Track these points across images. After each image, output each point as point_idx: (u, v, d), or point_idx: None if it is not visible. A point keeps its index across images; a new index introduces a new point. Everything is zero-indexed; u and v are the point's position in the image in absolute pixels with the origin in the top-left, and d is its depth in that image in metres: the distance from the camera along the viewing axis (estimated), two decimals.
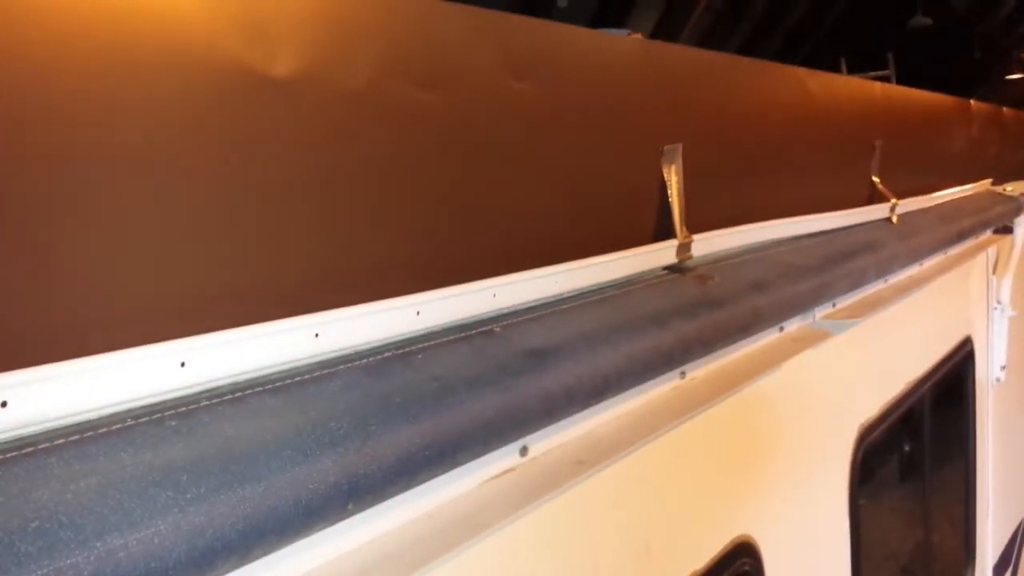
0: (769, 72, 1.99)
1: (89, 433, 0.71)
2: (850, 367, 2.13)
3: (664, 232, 1.42)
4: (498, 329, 1.11)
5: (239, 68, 0.87)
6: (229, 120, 0.87)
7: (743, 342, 1.57)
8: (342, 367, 0.92)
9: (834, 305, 2.01)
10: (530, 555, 1.13)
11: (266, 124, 0.90)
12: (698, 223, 1.49)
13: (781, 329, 1.75)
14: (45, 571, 0.62)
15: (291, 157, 0.92)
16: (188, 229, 0.83)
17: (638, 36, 1.51)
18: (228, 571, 0.74)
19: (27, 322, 0.72)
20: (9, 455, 0.68)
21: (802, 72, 2.10)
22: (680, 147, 1.42)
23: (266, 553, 0.77)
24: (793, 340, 1.76)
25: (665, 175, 1.41)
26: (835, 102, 2.34)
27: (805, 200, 1.98)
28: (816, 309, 1.90)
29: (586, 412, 1.21)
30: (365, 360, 0.95)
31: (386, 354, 0.98)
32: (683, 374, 1.43)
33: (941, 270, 2.77)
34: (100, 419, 0.73)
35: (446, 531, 0.99)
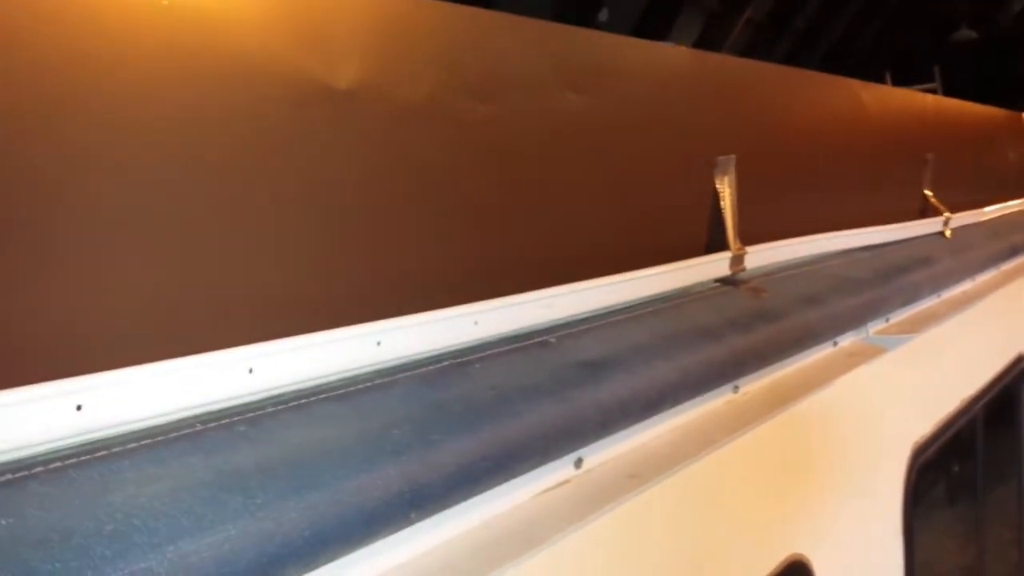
0: (820, 83, 1.98)
1: (160, 437, 0.72)
2: (903, 384, 2.08)
3: (716, 244, 1.40)
4: (553, 340, 1.11)
5: (302, 81, 0.88)
6: (293, 132, 0.88)
7: (796, 357, 1.54)
8: (402, 375, 0.93)
9: (887, 320, 1.97)
10: (583, 569, 1.12)
11: (328, 136, 0.91)
12: (750, 235, 1.47)
13: (835, 344, 1.72)
14: (121, 574, 0.62)
15: (352, 168, 0.93)
16: (256, 238, 0.84)
17: (682, 48, 1.51)
18: None
19: (101, 327, 0.74)
20: (83, 458, 0.69)
21: (854, 83, 2.07)
22: (733, 158, 1.41)
23: (330, 560, 0.78)
24: (847, 355, 1.73)
25: (718, 187, 1.40)
26: (886, 114, 2.31)
27: (856, 213, 1.96)
28: (869, 324, 1.86)
29: (640, 425, 1.20)
30: (424, 369, 0.95)
31: (444, 363, 0.98)
32: (736, 388, 1.41)
33: (994, 285, 2.71)
34: (171, 423, 0.74)
35: (502, 543, 0.98)
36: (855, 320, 1.72)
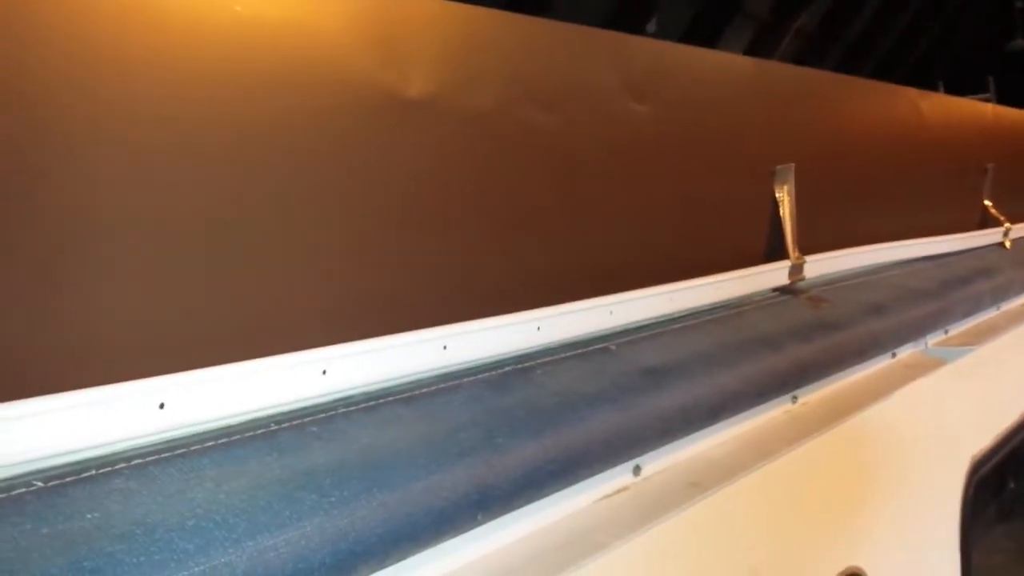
0: (878, 92, 1.95)
1: (237, 436, 0.74)
2: (962, 397, 2.04)
3: (775, 253, 1.39)
4: (613, 347, 1.11)
5: (375, 90, 0.90)
6: (366, 140, 0.90)
7: (855, 368, 1.52)
8: (467, 380, 0.94)
9: (946, 332, 1.94)
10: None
11: (399, 144, 0.93)
12: (808, 244, 1.46)
13: (893, 355, 1.70)
14: (202, 568, 0.64)
15: (420, 176, 0.95)
16: (329, 244, 0.86)
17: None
18: (367, 575, 0.75)
19: (184, 329, 0.76)
20: (164, 455, 0.71)
21: (911, 92, 2.04)
22: (792, 167, 1.40)
23: (400, 559, 0.79)
24: (905, 367, 1.70)
25: (777, 195, 1.39)
26: (944, 123, 2.27)
27: (915, 223, 1.93)
28: (928, 336, 1.83)
29: (698, 433, 1.20)
30: (488, 373, 0.96)
31: (507, 368, 0.99)
32: (795, 398, 1.40)
33: None
34: (247, 423, 0.76)
35: (563, 547, 0.99)
36: (914, 331, 1.69)
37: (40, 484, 0.64)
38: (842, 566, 1.51)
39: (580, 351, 1.07)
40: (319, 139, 0.86)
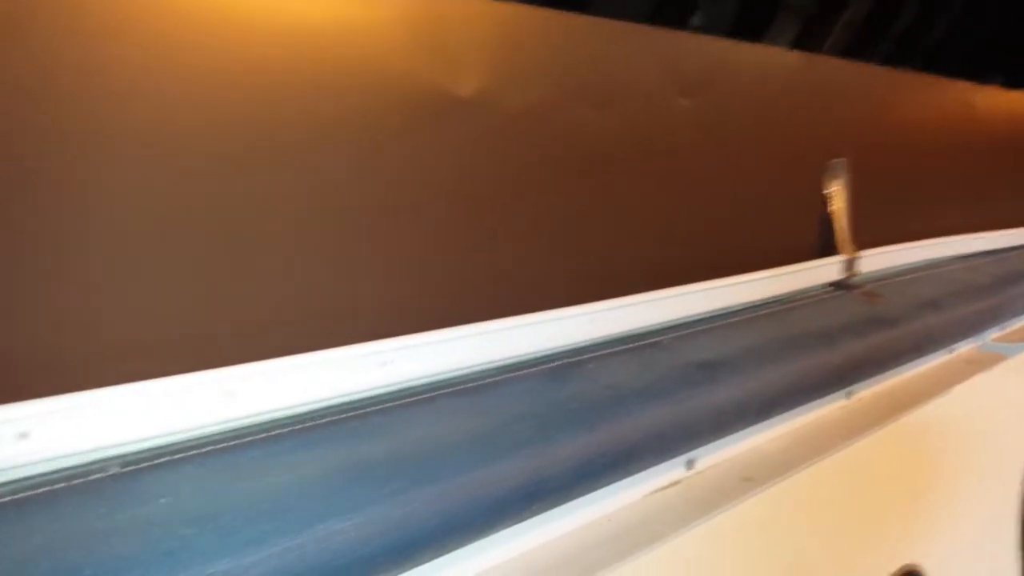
0: (931, 85, 1.92)
1: (301, 425, 0.76)
2: (1022, 392, 2.00)
3: (829, 248, 1.38)
4: (666, 341, 1.12)
5: (426, 89, 0.92)
6: (418, 138, 0.92)
7: (911, 363, 1.50)
8: (520, 372, 0.95)
9: (1004, 328, 1.90)
10: (694, 570, 1.12)
11: (450, 142, 0.94)
12: (862, 239, 1.44)
13: (951, 351, 1.67)
14: (269, 552, 0.66)
15: (471, 172, 0.97)
16: (386, 239, 0.88)
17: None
18: (424, 562, 0.77)
19: (253, 321, 0.79)
20: (234, 442, 0.73)
21: (965, 86, 2.00)
22: (845, 161, 1.39)
23: (457, 547, 0.80)
24: (964, 363, 1.67)
25: (829, 190, 1.38)
26: (1001, 117, 2.22)
27: (971, 217, 1.89)
28: (988, 331, 1.79)
29: (751, 429, 1.19)
30: (541, 367, 0.97)
31: (560, 362, 1.00)
32: (849, 394, 1.39)
33: None
34: (313, 412, 0.78)
35: (616, 540, 0.99)
36: (973, 327, 1.66)
37: (116, 469, 0.67)
38: (899, 563, 1.49)
39: (631, 345, 1.08)
40: (371, 137, 0.88)
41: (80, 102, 0.70)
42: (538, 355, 0.99)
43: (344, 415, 0.79)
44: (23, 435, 0.62)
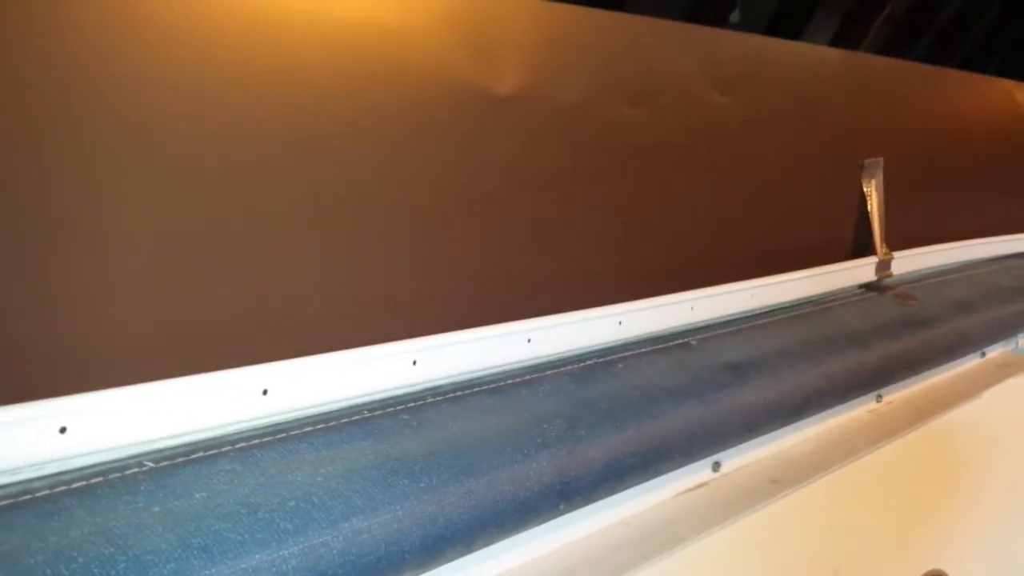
0: (971, 83, 1.88)
1: (334, 422, 0.77)
2: None
3: (862, 247, 1.37)
4: (694, 342, 1.11)
5: (466, 86, 0.91)
6: (458, 134, 0.92)
7: (942, 367, 1.48)
8: (550, 372, 0.95)
9: None
10: (720, 573, 1.12)
11: (488, 139, 0.94)
12: (896, 239, 1.42)
13: (983, 355, 1.64)
14: (301, 547, 0.67)
15: (509, 169, 0.96)
16: (421, 236, 0.88)
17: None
18: (453, 559, 0.77)
19: (285, 319, 0.79)
20: (266, 439, 0.74)
21: (1007, 83, 1.97)
22: (881, 161, 1.37)
23: (486, 545, 0.81)
24: (996, 366, 1.64)
25: (865, 189, 1.36)
26: None
27: (1006, 218, 1.86)
28: (1019, 335, 1.77)
29: (780, 431, 1.18)
30: (571, 367, 0.97)
31: (589, 362, 1.00)
32: (879, 397, 1.37)
33: None
34: (343, 410, 0.79)
35: (643, 540, 0.99)
36: (1005, 330, 1.64)
37: (151, 464, 0.68)
38: (925, 568, 1.48)
39: (661, 346, 1.07)
40: (411, 134, 0.88)
41: (120, 92, 0.70)
42: (568, 355, 0.98)
43: (375, 413, 0.79)
44: (63, 429, 0.63)
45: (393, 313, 0.86)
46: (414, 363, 0.82)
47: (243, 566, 0.64)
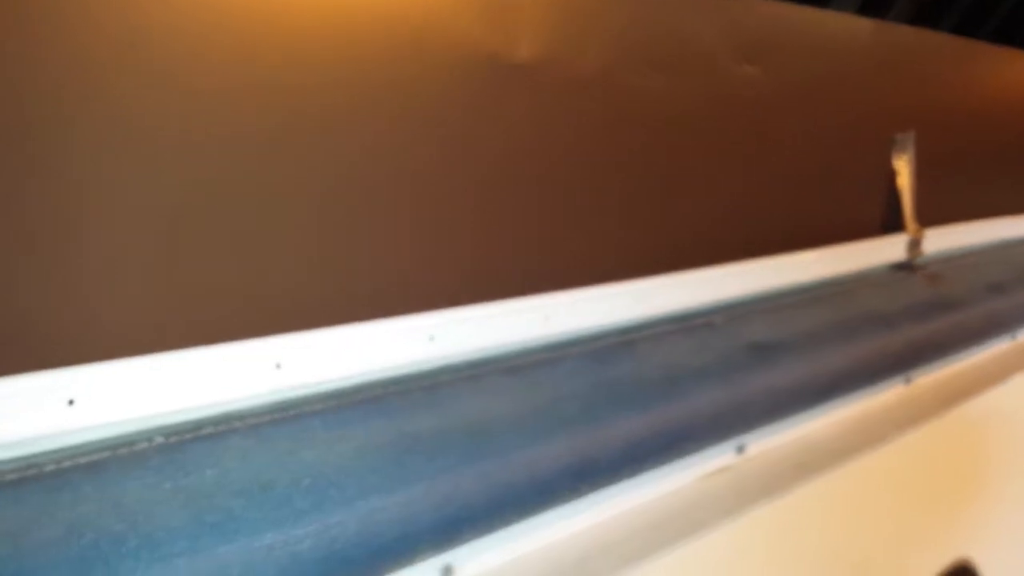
0: (1005, 57, 1.83)
1: (348, 399, 0.75)
2: None
3: (892, 224, 1.33)
4: (718, 321, 1.08)
5: (482, 54, 0.89)
6: (473, 103, 0.89)
7: (972, 349, 1.44)
8: (569, 350, 0.92)
9: None
10: (743, 557, 1.09)
11: (506, 107, 0.91)
12: (926, 216, 1.38)
13: (1014, 337, 1.60)
14: (315, 526, 0.65)
15: (526, 140, 0.94)
16: (434, 209, 0.86)
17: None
18: (470, 540, 0.75)
19: (300, 291, 0.77)
20: (278, 415, 0.72)
21: None
22: (913, 136, 1.33)
23: (504, 526, 0.79)
24: None
25: (895, 165, 1.32)
26: None
27: None
28: None
29: (806, 413, 1.15)
30: (590, 345, 0.95)
31: (610, 340, 0.97)
32: (908, 380, 1.34)
33: None
34: (357, 387, 0.77)
35: (664, 525, 0.97)
36: None
37: (161, 439, 0.66)
38: (952, 556, 1.45)
39: (682, 324, 1.05)
40: (426, 104, 0.85)
41: (135, 67, 0.68)
42: (587, 333, 0.96)
43: (388, 390, 0.77)
44: (70, 402, 0.62)
45: (409, 287, 0.83)
46: (431, 339, 0.80)
47: (256, 544, 0.62)
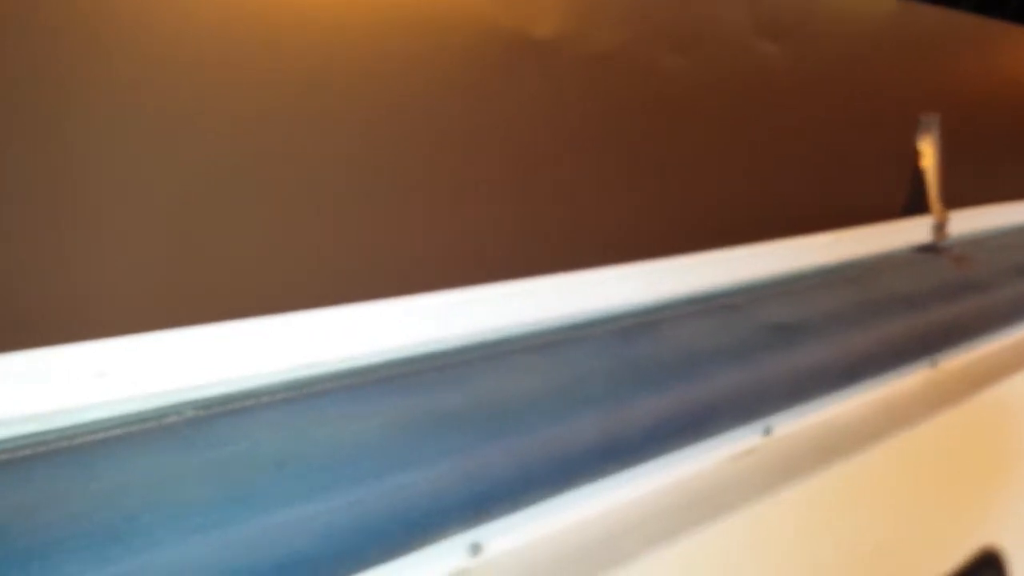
0: None
1: (374, 375, 0.75)
2: None
3: (916, 206, 1.31)
4: (741, 302, 1.07)
5: (503, 30, 0.88)
6: (490, 80, 0.88)
7: (1000, 332, 1.43)
8: (591, 330, 0.92)
9: None
10: (770, 539, 1.08)
11: (523, 84, 0.91)
12: (952, 198, 1.37)
13: None
14: (342, 502, 0.65)
15: (544, 117, 0.93)
16: (451, 186, 0.85)
17: None
18: (498, 517, 0.75)
19: (329, 265, 0.77)
20: (305, 391, 0.72)
21: None
22: (938, 117, 1.31)
23: (529, 505, 0.78)
24: None
25: (920, 146, 1.30)
26: None
27: None
28: None
29: (831, 396, 1.14)
30: (613, 324, 0.94)
31: (631, 321, 0.96)
32: (934, 363, 1.32)
33: None
34: (383, 363, 0.77)
35: (692, 505, 0.96)
36: None
37: (192, 412, 0.66)
38: (979, 543, 1.43)
39: (704, 305, 1.04)
40: (442, 81, 0.85)
41: (159, 33, 0.68)
42: (610, 312, 0.95)
43: (415, 366, 0.77)
44: (101, 373, 0.62)
45: (434, 264, 0.83)
46: (456, 316, 0.80)
47: (281, 519, 0.62)
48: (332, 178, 0.78)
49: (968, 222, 1.40)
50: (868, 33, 1.32)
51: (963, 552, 1.40)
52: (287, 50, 0.75)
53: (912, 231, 1.30)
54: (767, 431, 1.09)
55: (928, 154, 1.30)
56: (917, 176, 1.32)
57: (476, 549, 0.76)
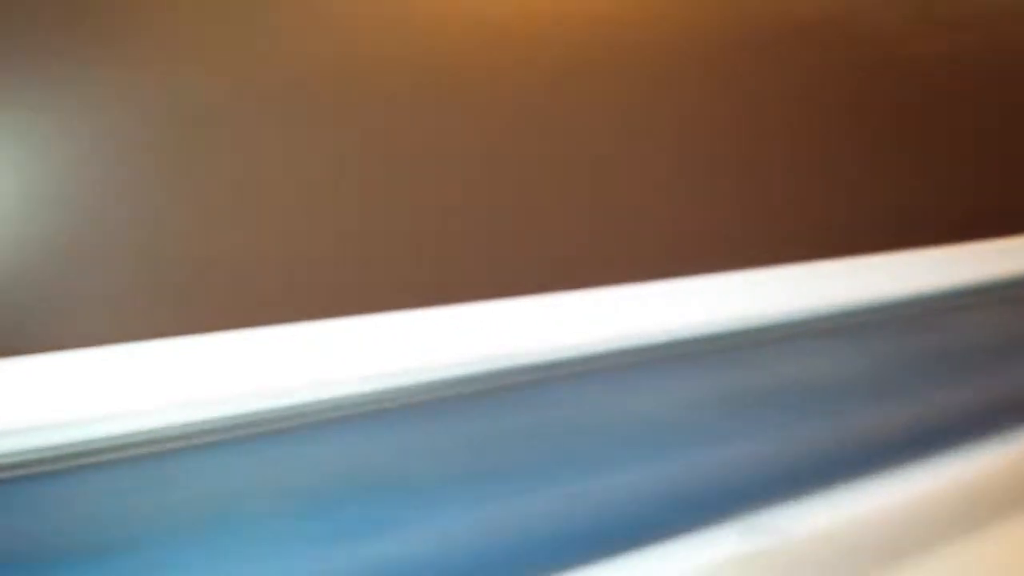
0: None
1: (668, 352, 0.74)
2: None
3: None
4: None
5: (769, 11, 0.85)
6: (756, 65, 0.86)
7: None
8: (881, 317, 0.88)
9: None
10: None
11: (790, 69, 0.88)
12: None
13: None
14: (645, 475, 0.66)
15: (808, 101, 0.89)
16: (759, 173, 0.84)
17: None
18: (799, 498, 0.73)
19: (628, 249, 0.78)
20: (605, 363, 0.73)
21: None
22: None
23: (834, 487, 0.76)
24: None
25: None
26: None
27: None
28: None
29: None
30: (915, 309, 0.90)
31: (927, 307, 0.92)
32: None
33: None
34: (682, 340, 0.75)
35: (1000, 500, 0.89)
36: None
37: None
38: None
39: (1002, 294, 0.97)
40: (703, 64, 0.83)
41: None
42: (905, 297, 0.91)
43: (712, 346, 0.77)
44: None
45: (725, 244, 0.82)
46: (754, 296, 0.79)
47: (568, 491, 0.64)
48: (655, 162, 0.79)
49: None
50: None
51: None
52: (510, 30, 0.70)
53: None
54: None
55: None
56: None
57: (773, 531, 0.75)
